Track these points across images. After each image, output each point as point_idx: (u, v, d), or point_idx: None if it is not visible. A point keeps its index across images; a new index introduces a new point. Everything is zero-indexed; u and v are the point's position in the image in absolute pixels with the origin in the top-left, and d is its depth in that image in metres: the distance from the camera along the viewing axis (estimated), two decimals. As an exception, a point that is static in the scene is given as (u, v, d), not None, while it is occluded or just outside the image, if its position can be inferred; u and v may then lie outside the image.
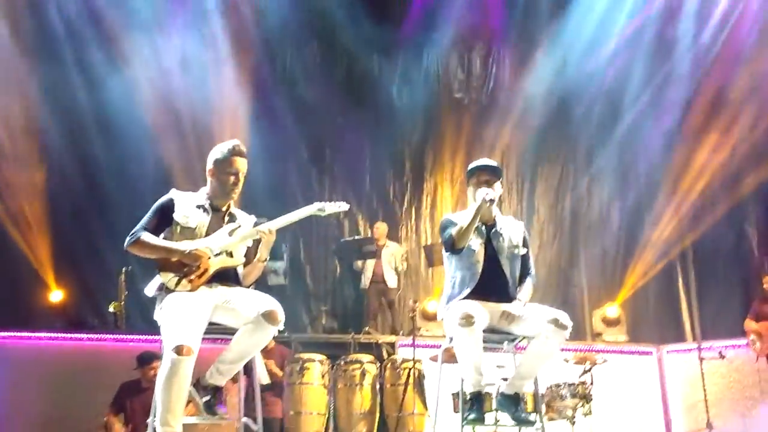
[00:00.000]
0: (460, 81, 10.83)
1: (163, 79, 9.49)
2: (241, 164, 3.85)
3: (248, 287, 3.90)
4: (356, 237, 9.90)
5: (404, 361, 6.48)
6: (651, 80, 10.09)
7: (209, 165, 3.89)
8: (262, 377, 6.12)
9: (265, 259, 3.89)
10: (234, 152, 3.84)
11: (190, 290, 3.65)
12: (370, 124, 10.37)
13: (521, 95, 10.34)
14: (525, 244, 4.41)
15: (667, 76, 10.00)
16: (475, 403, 4.10)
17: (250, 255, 3.94)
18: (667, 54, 10.00)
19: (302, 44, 10.47)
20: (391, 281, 9.17)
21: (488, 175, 4.31)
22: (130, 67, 9.32)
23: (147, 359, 6.07)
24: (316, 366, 6.26)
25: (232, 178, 3.84)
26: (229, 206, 3.95)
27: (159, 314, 3.67)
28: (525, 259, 4.40)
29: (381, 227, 9.53)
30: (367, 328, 8.41)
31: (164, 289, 3.69)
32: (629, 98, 10.10)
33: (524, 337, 4.27)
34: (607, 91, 10.17)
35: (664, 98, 9.98)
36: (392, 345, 7.66)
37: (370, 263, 9.14)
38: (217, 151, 3.87)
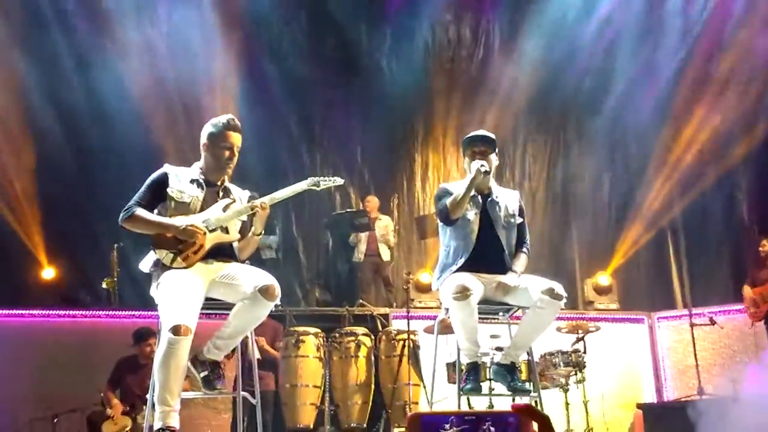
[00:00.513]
0: (450, 51, 10.74)
1: (151, 57, 9.40)
2: (236, 138, 3.81)
3: (244, 262, 3.88)
4: (348, 210, 9.87)
5: (399, 332, 6.50)
6: (641, 50, 10.04)
7: (203, 139, 3.84)
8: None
9: (260, 234, 3.86)
10: (228, 126, 3.80)
11: (186, 267, 3.62)
12: (360, 96, 10.28)
13: (512, 65, 10.27)
14: (521, 214, 4.41)
15: (656, 46, 9.96)
16: (471, 373, 4.13)
17: (244, 230, 3.91)
18: (657, 24, 9.95)
19: (290, 17, 10.33)
20: (385, 254, 9.18)
21: (483, 146, 4.29)
22: (119, 47, 9.21)
23: (143, 336, 6.10)
24: (312, 339, 6.27)
25: (227, 153, 3.79)
26: (223, 181, 3.91)
27: (155, 291, 3.65)
28: (521, 228, 4.39)
29: (372, 201, 9.49)
30: (361, 301, 8.43)
31: (160, 266, 3.66)
32: (619, 68, 10.05)
33: (519, 308, 4.30)
34: (598, 61, 10.11)
35: (654, 67, 9.95)
36: (386, 317, 7.68)
37: (364, 236, 9.13)
38: (212, 126, 3.82)
